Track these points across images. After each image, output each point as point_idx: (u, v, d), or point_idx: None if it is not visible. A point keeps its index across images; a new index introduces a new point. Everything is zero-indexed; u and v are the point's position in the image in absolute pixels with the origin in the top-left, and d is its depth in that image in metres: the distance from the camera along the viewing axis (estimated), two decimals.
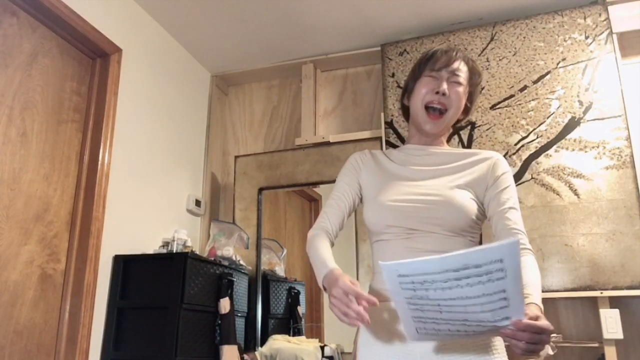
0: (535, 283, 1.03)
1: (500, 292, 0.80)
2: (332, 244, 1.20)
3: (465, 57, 1.26)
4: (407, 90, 1.31)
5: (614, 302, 2.02)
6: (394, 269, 0.84)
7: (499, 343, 1.08)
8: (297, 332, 2.55)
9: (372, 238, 1.23)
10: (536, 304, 0.95)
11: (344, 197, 1.25)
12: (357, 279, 2.38)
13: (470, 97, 1.28)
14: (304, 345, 2.26)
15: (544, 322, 0.86)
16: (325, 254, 1.12)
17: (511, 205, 1.15)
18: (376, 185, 1.23)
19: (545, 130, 2.26)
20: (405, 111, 1.34)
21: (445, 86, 1.20)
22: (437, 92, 1.20)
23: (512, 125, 2.32)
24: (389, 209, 1.15)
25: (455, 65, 1.22)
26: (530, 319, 0.85)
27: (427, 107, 1.22)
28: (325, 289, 1.04)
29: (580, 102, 2.24)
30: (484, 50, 2.45)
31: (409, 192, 1.17)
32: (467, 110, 1.29)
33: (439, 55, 1.24)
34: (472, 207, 1.14)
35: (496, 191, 1.17)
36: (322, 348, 2.27)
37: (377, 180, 1.24)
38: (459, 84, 1.22)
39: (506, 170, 1.21)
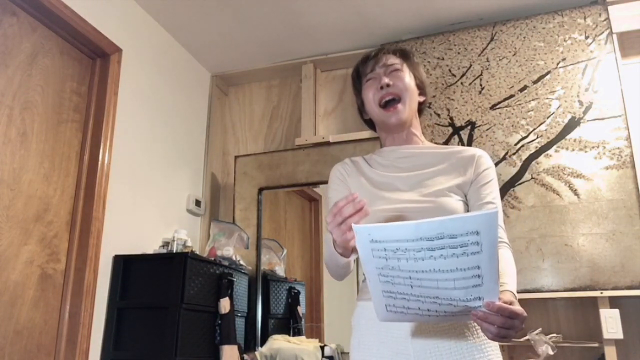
0: (510, 273, 1.02)
1: (474, 269, 0.77)
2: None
3: (390, 50, 1.28)
4: (360, 106, 1.33)
5: (614, 302, 2.02)
6: (367, 232, 0.81)
7: (494, 347, 1.07)
8: (297, 332, 2.55)
9: None
10: (511, 292, 0.94)
11: None
12: (357, 278, 2.38)
13: (417, 77, 1.28)
14: (304, 345, 2.26)
15: (517, 307, 0.84)
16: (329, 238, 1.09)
17: (490, 200, 1.14)
18: (364, 196, 1.22)
19: (545, 130, 2.26)
20: (370, 124, 1.35)
21: (385, 79, 1.21)
22: (382, 87, 1.21)
23: (512, 125, 2.32)
24: (379, 220, 1.12)
25: (384, 58, 1.25)
26: (504, 303, 0.83)
27: (382, 105, 1.23)
28: (340, 252, 1.01)
29: (580, 102, 2.24)
30: (484, 50, 2.45)
31: (398, 199, 1.15)
32: (422, 91, 1.30)
33: (364, 62, 1.28)
34: (463, 211, 1.13)
35: (477, 186, 1.16)
36: (322, 348, 2.27)
37: (364, 190, 1.22)
38: (397, 69, 1.24)
39: (488, 166, 1.20)
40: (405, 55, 1.28)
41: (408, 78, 1.24)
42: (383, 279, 0.85)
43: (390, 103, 1.22)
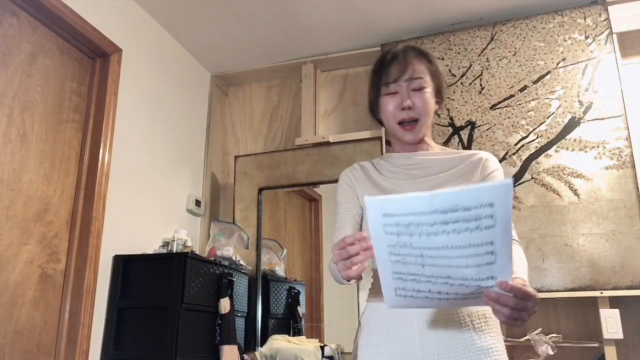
0: (520, 265, 1.01)
1: (487, 244, 0.76)
2: None
3: (417, 55, 1.23)
4: (372, 104, 1.31)
5: (614, 302, 2.02)
6: (380, 205, 0.79)
7: (502, 351, 1.07)
8: (297, 332, 2.55)
9: None
10: (522, 279, 0.94)
11: (350, 216, 1.23)
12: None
13: (439, 92, 1.26)
14: (304, 345, 2.26)
15: (531, 289, 0.84)
16: None
17: None
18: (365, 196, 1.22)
19: (545, 130, 2.26)
20: (380, 122, 1.33)
21: (408, 102, 1.18)
22: (404, 108, 1.19)
23: (512, 125, 2.32)
24: None
25: (410, 70, 1.19)
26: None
27: (399, 122, 1.21)
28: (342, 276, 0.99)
29: (580, 102, 2.24)
30: (484, 50, 2.45)
31: None
32: (439, 97, 1.27)
33: (390, 63, 1.22)
34: None
35: None
36: (322, 348, 2.27)
37: (371, 195, 1.21)
38: (422, 88, 1.19)
39: (495, 168, 1.19)
40: (429, 60, 1.25)
41: (429, 94, 1.20)
42: (394, 259, 0.82)
43: (408, 123, 1.20)
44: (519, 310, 0.82)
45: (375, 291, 1.18)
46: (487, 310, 1.08)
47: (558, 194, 2.17)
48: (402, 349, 1.06)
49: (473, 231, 0.75)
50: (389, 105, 1.22)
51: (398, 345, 1.07)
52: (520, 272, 0.98)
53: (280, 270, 2.65)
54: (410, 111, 1.19)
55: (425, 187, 1.18)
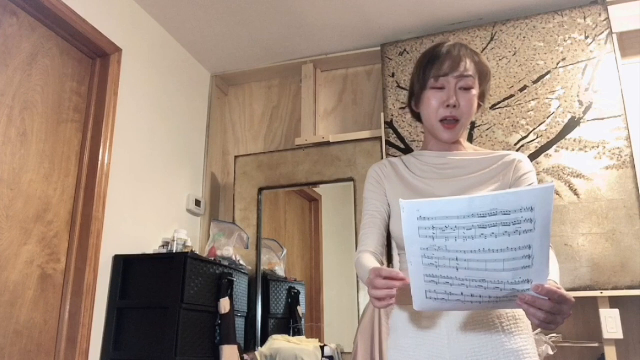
0: (554, 269, 0.99)
1: (525, 249, 0.75)
2: (382, 263, 1.15)
3: (470, 54, 1.20)
4: (413, 95, 1.26)
5: (614, 302, 2.02)
6: (415, 208, 0.77)
7: (532, 349, 1.05)
8: (297, 332, 2.55)
9: (398, 249, 1.20)
10: (555, 281, 0.91)
11: (377, 214, 1.22)
12: (356, 279, 2.38)
13: (482, 97, 1.24)
14: (304, 345, 2.26)
15: (566, 292, 0.82)
16: (368, 263, 1.08)
17: None
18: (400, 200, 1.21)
19: (545, 130, 2.26)
20: (415, 115, 1.30)
21: (454, 99, 1.15)
22: (448, 106, 1.16)
23: (512, 125, 2.32)
24: None
25: (462, 67, 1.16)
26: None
27: (440, 119, 1.18)
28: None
29: (580, 102, 2.24)
30: (484, 50, 2.45)
31: None
32: (482, 101, 1.25)
33: (443, 57, 1.18)
34: None
35: None
36: (322, 348, 2.27)
37: (400, 195, 1.19)
38: (469, 88, 1.17)
39: (529, 170, 1.17)
40: (481, 68, 1.21)
41: (475, 96, 1.18)
42: (427, 262, 0.81)
43: (450, 122, 1.18)
44: (554, 314, 0.81)
45: (404, 296, 1.17)
46: (517, 312, 1.07)
47: (558, 194, 2.17)
48: (430, 351, 1.06)
49: (512, 235, 0.74)
50: (433, 100, 1.18)
51: (426, 348, 1.06)
52: (553, 275, 0.96)
53: (280, 270, 2.65)
54: (454, 110, 1.16)
55: (457, 187, 1.16)
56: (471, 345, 1.03)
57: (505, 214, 0.73)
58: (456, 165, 1.20)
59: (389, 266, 2.36)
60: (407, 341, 1.10)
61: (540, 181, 2.21)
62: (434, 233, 0.78)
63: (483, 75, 1.21)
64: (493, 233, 0.74)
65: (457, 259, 0.79)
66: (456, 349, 1.03)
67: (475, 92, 1.18)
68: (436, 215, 0.77)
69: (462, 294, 0.83)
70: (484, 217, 0.74)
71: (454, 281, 0.82)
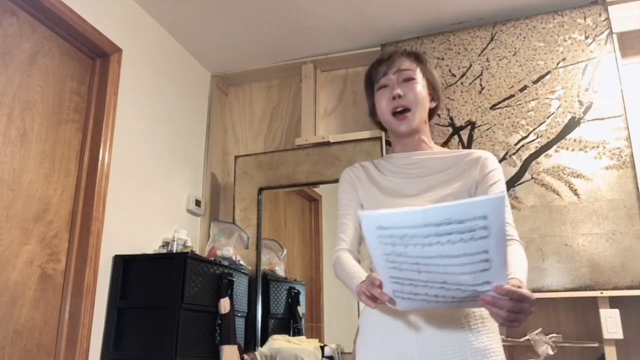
0: (519, 266, 1.02)
1: (482, 253, 0.77)
2: (359, 261, 1.20)
3: (404, 52, 1.29)
4: (371, 108, 1.35)
5: (614, 302, 2.02)
6: (374, 220, 0.81)
7: (498, 348, 1.07)
8: (297, 332, 2.55)
9: None
10: (518, 279, 0.94)
11: (351, 216, 1.27)
12: None
13: (430, 83, 1.29)
14: (304, 345, 2.26)
15: (526, 290, 0.84)
16: (352, 268, 1.12)
17: None
18: (372, 202, 1.24)
19: (545, 130, 2.26)
20: (380, 125, 1.37)
21: (397, 90, 1.23)
22: (394, 98, 1.23)
23: (512, 125, 2.32)
24: None
25: (397, 63, 1.26)
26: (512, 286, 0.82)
27: (392, 114, 1.25)
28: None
29: (580, 102, 2.24)
30: (484, 50, 2.45)
31: (405, 205, 1.14)
32: (434, 96, 1.31)
33: (379, 62, 1.29)
34: None
35: (484, 187, 1.18)
36: (322, 348, 2.27)
37: (372, 197, 1.25)
38: (411, 78, 1.25)
39: (494, 168, 1.21)
40: (419, 59, 1.29)
41: (420, 87, 1.25)
42: (390, 265, 0.84)
43: (400, 112, 1.24)
44: (515, 312, 0.83)
45: None
46: (485, 311, 1.08)
47: (558, 194, 2.17)
48: (399, 350, 1.07)
49: (467, 241, 0.76)
50: (381, 98, 1.27)
51: (396, 346, 1.07)
52: (517, 272, 0.98)
53: (280, 270, 2.65)
54: (400, 100, 1.23)
55: (424, 186, 1.20)
56: (439, 344, 1.04)
57: (459, 223, 0.75)
58: (422, 165, 1.25)
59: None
60: (376, 339, 1.11)
61: (540, 181, 2.21)
62: (393, 240, 0.81)
63: (422, 67, 1.28)
64: (449, 240, 0.77)
65: (417, 263, 0.82)
66: (425, 349, 1.05)
67: (418, 81, 1.25)
68: (394, 225, 0.80)
69: (426, 294, 0.86)
70: (439, 225, 0.76)
71: (417, 282, 0.85)
